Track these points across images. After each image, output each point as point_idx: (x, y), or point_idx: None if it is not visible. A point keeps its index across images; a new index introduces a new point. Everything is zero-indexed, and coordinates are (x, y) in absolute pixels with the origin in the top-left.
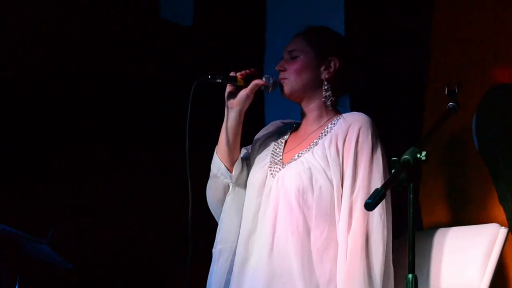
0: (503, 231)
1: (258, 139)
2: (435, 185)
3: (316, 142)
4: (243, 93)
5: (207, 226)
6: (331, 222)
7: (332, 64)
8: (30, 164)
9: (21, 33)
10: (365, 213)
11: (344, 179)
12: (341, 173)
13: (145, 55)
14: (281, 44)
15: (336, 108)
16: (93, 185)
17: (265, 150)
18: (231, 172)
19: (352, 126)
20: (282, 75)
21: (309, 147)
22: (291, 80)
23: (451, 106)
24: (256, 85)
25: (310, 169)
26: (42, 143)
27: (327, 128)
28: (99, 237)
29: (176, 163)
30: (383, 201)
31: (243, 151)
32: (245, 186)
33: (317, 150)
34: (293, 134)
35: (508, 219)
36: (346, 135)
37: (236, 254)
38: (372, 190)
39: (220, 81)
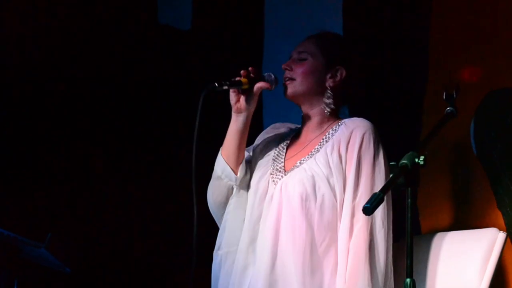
0: (501, 236)
1: (259, 143)
2: (433, 190)
3: (317, 148)
4: (249, 97)
5: (206, 229)
6: (333, 229)
7: (338, 74)
8: (28, 167)
9: (21, 33)
10: (367, 219)
11: (346, 185)
12: (344, 180)
13: (143, 59)
14: (279, 47)
15: (337, 114)
16: (91, 188)
17: (266, 156)
18: (236, 174)
19: (355, 132)
20: (287, 74)
21: (311, 154)
22: (295, 82)
23: (449, 110)
24: (260, 88)
25: (313, 176)
26: (40, 145)
27: (329, 134)
28: (97, 241)
29: (176, 165)
30: (385, 206)
31: (245, 152)
32: (248, 189)
33: (320, 157)
34: (294, 140)
35: (506, 224)
36: (349, 141)
37: (236, 261)
38: None
39: (226, 87)
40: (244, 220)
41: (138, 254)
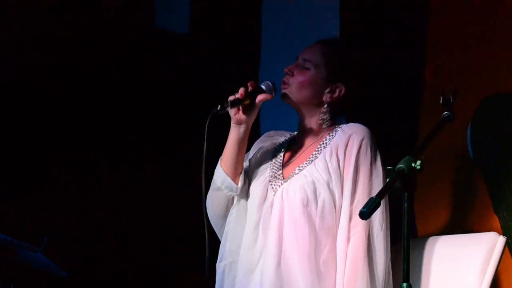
0: (501, 240)
1: (254, 152)
2: (430, 194)
3: (316, 154)
4: (249, 110)
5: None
6: (334, 235)
7: (337, 90)
8: (24, 170)
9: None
10: (365, 224)
11: (344, 190)
12: (342, 185)
13: (141, 62)
14: (277, 50)
15: (333, 121)
16: (88, 192)
17: (263, 164)
18: (237, 184)
19: (352, 137)
20: (286, 79)
21: (310, 160)
22: (293, 90)
23: (446, 115)
24: (260, 101)
25: (313, 182)
26: (37, 149)
27: (326, 140)
28: (94, 245)
29: (174, 168)
30: (383, 211)
31: None
32: (247, 198)
33: (319, 162)
34: (290, 147)
35: (503, 228)
36: (346, 146)
37: (238, 270)
38: None
39: (229, 108)
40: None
41: (136, 258)
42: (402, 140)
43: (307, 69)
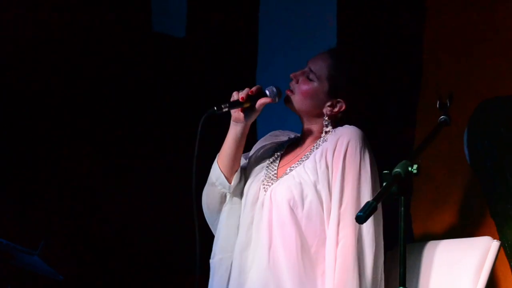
0: (495, 244)
1: (256, 150)
2: (426, 198)
3: (307, 155)
4: (250, 111)
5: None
6: (321, 236)
7: (338, 105)
8: (21, 174)
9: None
10: (354, 227)
11: (332, 193)
12: (330, 187)
13: (138, 66)
14: (274, 54)
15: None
16: (85, 196)
17: (260, 163)
18: (230, 183)
19: (341, 139)
20: (291, 85)
21: (301, 161)
22: (295, 98)
23: (442, 119)
24: (262, 104)
25: (301, 183)
26: (33, 153)
27: (319, 141)
28: (91, 249)
29: (172, 173)
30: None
31: (242, 159)
32: (241, 196)
33: (308, 163)
34: (289, 148)
35: (499, 232)
36: (335, 149)
37: (232, 267)
38: (361, 203)
39: (227, 109)
40: (238, 227)
41: (133, 261)
42: (399, 143)
43: (311, 80)
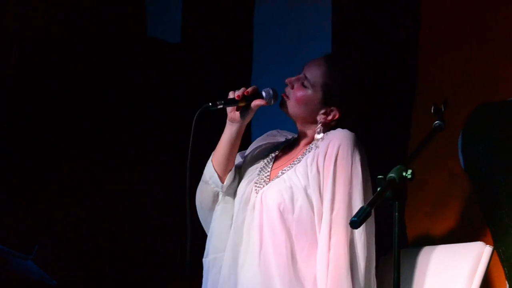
0: (488, 250)
1: (252, 150)
2: (420, 203)
3: (300, 159)
4: (245, 112)
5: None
6: (312, 240)
7: (332, 114)
8: (15, 177)
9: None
10: (346, 232)
11: (323, 198)
12: (321, 191)
13: (132, 71)
14: (268, 58)
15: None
16: (79, 200)
17: (255, 164)
18: (222, 182)
19: (332, 143)
20: (286, 90)
21: (292, 164)
22: (290, 103)
23: (437, 124)
24: (256, 106)
25: (291, 187)
26: (27, 156)
27: (312, 145)
28: (85, 254)
29: (168, 176)
30: None
31: (238, 157)
32: (235, 196)
33: (300, 167)
34: (284, 150)
35: (493, 238)
36: (326, 152)
37: (223, 267)
38: (352, 208)
39: (221, 106)
40: (231, 226)
41: (127, 267)
42: (393, 148)
43: (306, 87)
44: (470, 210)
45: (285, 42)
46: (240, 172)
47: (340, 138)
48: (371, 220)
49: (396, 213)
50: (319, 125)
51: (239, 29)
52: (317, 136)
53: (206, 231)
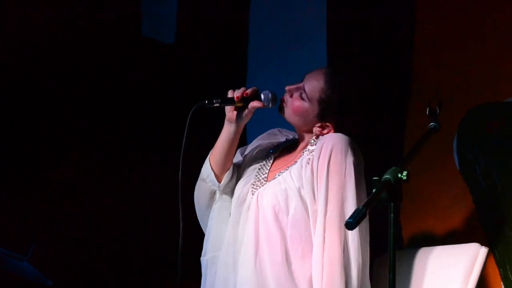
0: (483, 251)
1: (251, 150)
2: (416, 205)
3: (296, 161)
4: (241, 112)
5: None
6: (306, 242)
7: (327, 129)
8: (9, 178)
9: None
10: (339, 233)
11: (317, 199)
12: (314, 193)
13: (127, 72)
14: (263, 59)
15: None
16: (74, 201)
17: (253, 164)
18: (219, 182)
19: (325, 144)
20: (285, 97)
21: (289, 167)
22: (287, 111)
23: (432, 126)
24: (254, 107)
25: (286, 190)
26: (22, 157)
27: (308, 148)
28: (80, 254)
29: (163, 177)
30: None
31: (238, 154)
32: (232, 195)
33: (295, 169)
34: (283, 151)
35: (488, 239)
36: (320, 154)
37: (219, 266)
38: (345, 210)
39: (217, 105)
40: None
41: (124, 266)
42: (388, 150)
43: (303, 99)
44: (465, 211)
45: (280, 43)
46: (238, 171)
47: (333, 140)
48: (365, 221)
49: (392, 215)
50: (314, 137)
51: (234, 30)
52: (310, 147)
53: (204, 230)
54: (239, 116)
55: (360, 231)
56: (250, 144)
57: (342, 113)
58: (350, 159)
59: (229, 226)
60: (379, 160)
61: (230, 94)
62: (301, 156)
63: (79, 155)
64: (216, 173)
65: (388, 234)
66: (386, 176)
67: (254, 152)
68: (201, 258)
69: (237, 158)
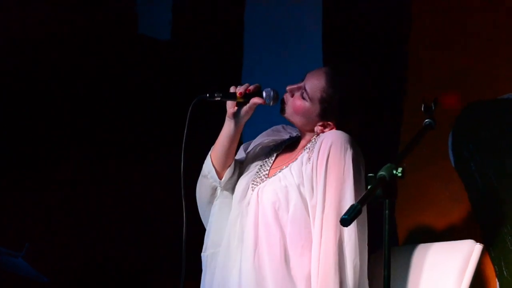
0: (478, 248)
1: (254, 146)
2: (411, 201)
3: (296, 158)
4: (242, 109)
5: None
6: (306, 239)
7: (328, 128)
8: (4, 176)
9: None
10: (335, 230)
11: (316, 196)
12: (313, 190)
13: (123, 68)
14: (258, 57)
15: None
16: (69, 197)
17: (256, 161)
18: (220, 178)
19: (325, 142)
20: (286, 97)
21: (290, 164)
22: (288, 111)
23: (427, 122)
24: (255, 103)
25: (286, 187)
26: (16, 152)
27: (309, 145)
28: (75, 251)
29: (158, 173)
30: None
31: (241, 150)
32: (233, 191)
33: (295, 166)
34: (286, 149)
35: (483, 236)
36: (319, 151)
37: (218, 262)
38: (343, 207)
39: (219, 99)
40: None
41: (118, 265)
42: (384, 147)
43: (304, 99)
44: (460, 208)
45: (276, 39)
46: (240, 167)
47: (332, 137)
48: (363, 219)
49: (387, 211)
50: (315, 135)
51: (230, 27)
52: (309, 145)
53: (205, 225)
54: (240, 113)
55: (357, 228)
56: (254, 141)
57: (343, 112)
58: (349, 156)
59: (229, 222)
60: (375, 157)
61: (232, 89)
62: (301, 153)
63: (79, 155)
64: (217, 169)
65: (383, 230)
66: (381, 172)
67: (257, 149)
68: (202, 254)
69: (240, 154)
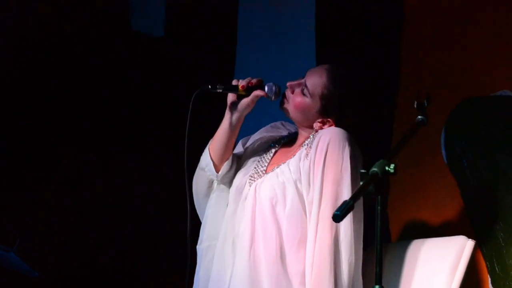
0: (470, 244)
1: (253, 142)
2: (403, 198)
3: (294, 155)
4: (244, 101)
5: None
6: (301, 236)
7: (327, 124)
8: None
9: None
10: (331, 227)
11: (312, 192)
12: (310, 186)
13: (116, 66)
14: (252, 54)
15: None
16: (61, 192)
17: (254, 156)
18: (218, 171)
19: (323, 139)
20: (287, 92)
21: (288, 160)
22: (288, 107)
23: (420, 119)
24: (257, 96)
25: (283, 183)
26: (9, 148)
27: (307, 141)
28: (67, 246)
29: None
30: (350, 214)
31: (239, 145)
32: (230, 185)
33: (293, 162)
34: (285, 145)
35: (475, 232)
36: (317, 147)
37: (215, 256)
38: (339, 203)
39: (220, 91)
40: (224, 215)
41: (110, 261)
42: (376, 143)
43: (305, 95)
44: (452, 205)
45: (269, 36)
46: (238, 162)
47: (330, 134)
48: (359, 216)
49: (379, 207)
50: (314, 132)
51: (223, 23)
52: (308, 141)
53: (201, 218)
54: (241, 105)
55: (353, 225)
56: (252, 136)
57: (343, 109)
58: (347, 153)
59: (226, 217)
60: (367, 153)
61: (234, 82)
62: (300, 150)
63: (65, 149)
64: (215, 162)
65: (375, 226)
66: (374, 169)
67: (256, 144)
68: (197, 247)
69: (238, 148)
